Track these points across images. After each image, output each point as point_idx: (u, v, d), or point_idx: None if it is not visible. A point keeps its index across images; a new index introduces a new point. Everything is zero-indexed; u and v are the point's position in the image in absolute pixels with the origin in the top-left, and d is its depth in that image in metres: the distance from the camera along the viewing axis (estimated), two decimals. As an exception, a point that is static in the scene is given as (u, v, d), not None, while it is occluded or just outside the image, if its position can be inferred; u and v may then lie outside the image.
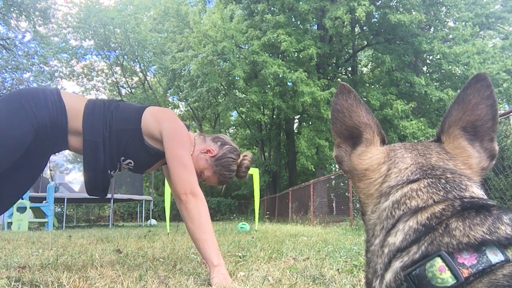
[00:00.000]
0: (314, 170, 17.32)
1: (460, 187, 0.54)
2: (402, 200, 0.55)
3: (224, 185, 2.06)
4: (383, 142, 0.67)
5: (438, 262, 0.45)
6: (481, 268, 0.44)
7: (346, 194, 9.34)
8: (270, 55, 17.60)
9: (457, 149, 0.61)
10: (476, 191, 0.54)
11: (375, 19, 18.59)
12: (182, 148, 1.85)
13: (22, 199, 8.98)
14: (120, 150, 1.89)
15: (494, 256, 0.44)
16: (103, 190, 1.99)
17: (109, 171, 1.93)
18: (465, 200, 0.51)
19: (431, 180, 0.55)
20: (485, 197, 0.54)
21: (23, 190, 1.94)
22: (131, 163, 1.95)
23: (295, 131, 22.20)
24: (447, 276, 0.44)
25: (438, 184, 0.54)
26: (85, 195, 12.68)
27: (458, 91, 0.62)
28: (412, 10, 16.95)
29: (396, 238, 0.51)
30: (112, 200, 11.14)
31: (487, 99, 0.58)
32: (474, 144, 0.61)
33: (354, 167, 0.66)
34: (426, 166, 0.58)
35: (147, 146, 1.89)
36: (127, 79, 28.60)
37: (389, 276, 0.49)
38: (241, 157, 2.11)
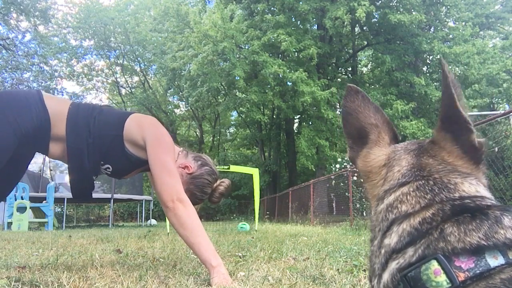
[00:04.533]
0: (314, 170, 17.31)
1: (448, 188, 0.52)
2: (395, 204, 0.55)
3: (194, 205, 1.97)
4: (395, 140, 0.66)
5: (434, 265, 0.45)
6: (478, 272, 0.43)
7: (346, 194, 9.34)
8: (270, 55, 17.60)
9: (444, 141, 0.59)
10: (468, 188, 0.52)
11: (375, 19, 18.58)
12: (166, 154, 1.83)
13: (22, 199, 8.98)
14: (101, 155, 1.88)
15: (494, 260, 0.43)
16: (88, 193, 2.00)
17: (93, 177, 1.95)
18: (455, 203, 0.50)
19: (420, 182, 0.55)
20: (480, 193, 0.52)
21: (5, 191, 1.93)
22: (109, 168, 1.93)
23: (295, 131, 22.18)
24: (442, 280, 0.44)
25: (426, 187, 0.54)
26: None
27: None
28: (412, 10, 16.95)
29: (391, 240, 0.51)
30: (112, 200, 11.14)
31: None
32: (454, 136, 0.58)
33: (360, 168, 0.66)
34: (416, 167, 0.57)
35: (127, 153, 1.87)
36: (127, 79, 28.61)
37: (386, 276, 0.50)
38: (217, 182, 2.07)
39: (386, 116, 0.67)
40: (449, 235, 0.46)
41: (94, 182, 2.00)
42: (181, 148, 2.11)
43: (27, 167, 2.02)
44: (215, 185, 2.06)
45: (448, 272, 0.44)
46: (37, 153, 1.96)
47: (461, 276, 0.43)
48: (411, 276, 0.46)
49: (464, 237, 0.45)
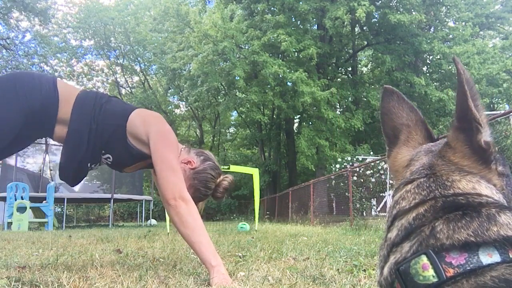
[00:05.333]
0: (314, 170, 17.32)
1: (445, 185, 0.53)
2: (398, 201, 0.56)
3: (199, 202, 1.93)
4: (429, 139, 0.65)
5: (423, 260, 0.45)
6: (468, 268, 0.43)
7: (346, 194, 9.34)
8: (270, 55, 17.61)
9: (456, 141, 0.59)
10: (464, 185, 0.52)
11: (375, 19, 18.60)
12: (170, 151, 1.82)
13: (22, 199, 8.98)
14: (102, 143, 1.86)
15: (488, 258, 0.43)
16: (74, 179, 1.97)
17: (88, 164, 1.91)
18: (448, 200, 0.50)
19: (423, 179, 0.55)
20: (477, 190, 0.51)
21: None
22: (109, 158, 1.91)
23: (295, 131, 22.19)
24: (429, 274, 0.44)
25: (425, 184, 0.54)
26: (85, 195, 12.71)
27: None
28: (412, 10, 16.96)
29: (392, 233, 0.53)
30: (112, 200, 11.15)
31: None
32: (466, 137, 0.57)
33: (390, 168, 0.68)
34: (425, 167, 0.58)
35: (129, 145, 1.86)
36: (127, 79, 28.62)
37: (385, 270, 0.51)
38: (221, 177, 2.06)
39: (421, 116, 0.67)
40: (439, 233, 0.47)
41: (89, 170, 1.95)
42: (183, 145, 2.11)
43: (22, 149, 1.99)
44: (218, 180, 2.04)
45: (436, 267, 0.44)
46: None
47: (450, 272, 0.43)
48: (402, 270, 0.47)
49: (452, 234, 0.46)
